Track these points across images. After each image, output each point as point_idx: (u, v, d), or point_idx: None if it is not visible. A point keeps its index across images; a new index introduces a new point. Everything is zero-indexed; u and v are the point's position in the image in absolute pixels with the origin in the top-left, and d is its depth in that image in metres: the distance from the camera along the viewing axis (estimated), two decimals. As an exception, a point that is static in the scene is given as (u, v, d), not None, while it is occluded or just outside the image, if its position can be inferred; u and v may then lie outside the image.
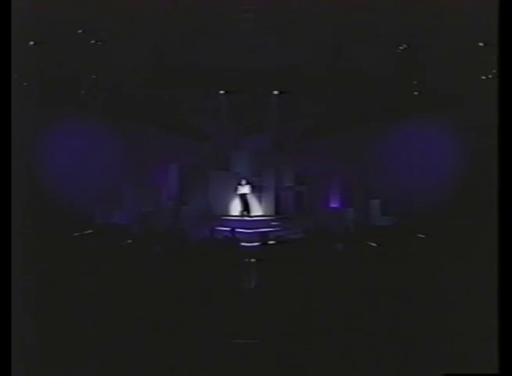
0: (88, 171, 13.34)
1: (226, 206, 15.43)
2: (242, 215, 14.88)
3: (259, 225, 13.38)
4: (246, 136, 15.71)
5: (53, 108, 13.04)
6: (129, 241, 10.09)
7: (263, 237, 10.61)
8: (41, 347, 4.91)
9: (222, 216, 14.74)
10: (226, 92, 14.34)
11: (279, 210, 15.36)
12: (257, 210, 15.36)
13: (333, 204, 15.29)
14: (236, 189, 15.10)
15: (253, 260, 8.58)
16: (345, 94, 13.85)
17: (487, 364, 4.13)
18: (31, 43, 10.22)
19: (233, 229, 11.38)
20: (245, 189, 15.07)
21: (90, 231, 11.44)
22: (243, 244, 10.20)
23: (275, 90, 14.31)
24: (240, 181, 15.11)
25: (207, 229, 11.77)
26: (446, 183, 12.95)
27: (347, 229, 12.36)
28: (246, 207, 15.01)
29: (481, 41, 10.00)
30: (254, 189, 15.22)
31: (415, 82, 12.81)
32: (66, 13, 9.42)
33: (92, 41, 10.61)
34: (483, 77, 11.38)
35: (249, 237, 11.08)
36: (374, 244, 9.68)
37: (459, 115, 12.93)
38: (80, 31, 10.14)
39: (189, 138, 15.40)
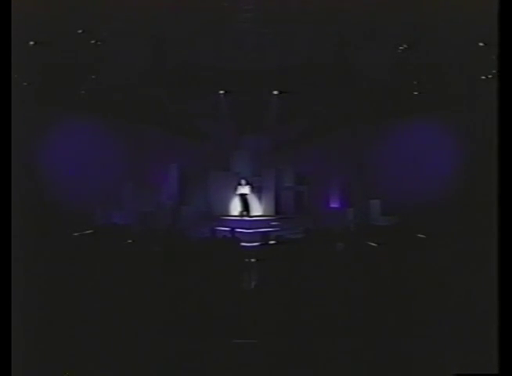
0: (89, 171, 13.35)
1: (226, 206, 15.42)
2: (241, 215, 14.87)
3: (259, 226, 13.38)
4: (246, 136, 15.71)
5: (53, 108, 13.04)
6: (129, 241, 10.10)
7: (263, 237, 10.63)
8: (41, 347, 4.91)
9: (222, 216, 14.74)
10: (226, 92, 14.33)
11: (279, 210, 15.34)
12: (257, 210, 15.36)
13: (333, 204, 15.29)
14: (235, 189, 15.10)
15: (253, 260, 8.60)
16: (345, 94, 13.85)
17: (487, 364, 4.13)
18: (31, 43, 10.22)
19: (233, 229, 11.38)
20: (245, 189, 15.06)
21: (90, 231, 11.46)
22: (243, 244, 10.21)
23: (275, 90, 14.31)
24: (240, 181, 15.10)
25: (207, 229, 11.78)
26: (446, 183, 12.96)
27: (347, 229, 12.37)
28: (245, 207, 15.00)
29: (481, 41, 10.01)
30: (253, 189, 15.22)
31: (415, 82, 12.81)
32: (66, 13, 9.42)
33: (92, 41, 10.61)
34: (483, 77, 11.39)
35: (249, 237, 11.09)
36: (374, 244, 9.69)
37: (459, 115, 12.93)
38: (80, 31, 10.15)
39: (189, 138, 15.41)
